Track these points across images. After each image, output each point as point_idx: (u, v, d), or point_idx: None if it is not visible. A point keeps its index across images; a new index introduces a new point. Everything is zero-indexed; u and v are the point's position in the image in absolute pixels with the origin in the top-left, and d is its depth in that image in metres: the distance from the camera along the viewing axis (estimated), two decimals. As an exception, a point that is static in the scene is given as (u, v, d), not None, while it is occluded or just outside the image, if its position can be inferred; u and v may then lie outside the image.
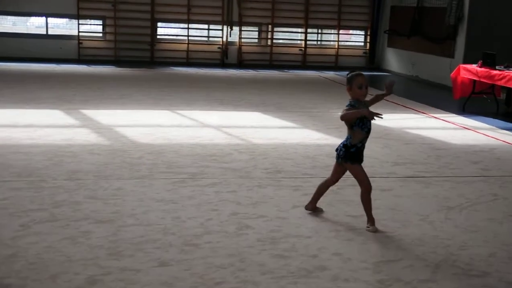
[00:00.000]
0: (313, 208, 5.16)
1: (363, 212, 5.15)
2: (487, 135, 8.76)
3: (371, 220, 4.81)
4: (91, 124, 8.38)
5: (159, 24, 17.30)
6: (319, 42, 18.52)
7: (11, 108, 9.25)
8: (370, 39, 18.20)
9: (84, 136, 7.59)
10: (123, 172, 6.10)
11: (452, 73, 11.40)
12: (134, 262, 4.01)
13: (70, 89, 11.52)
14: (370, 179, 4.96)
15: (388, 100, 11.76)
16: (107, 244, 4.27)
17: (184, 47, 17.23)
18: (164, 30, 17.73)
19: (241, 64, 17.38)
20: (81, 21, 16.61)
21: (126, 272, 3.85)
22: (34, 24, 17.33)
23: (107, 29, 16.89)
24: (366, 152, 5.13)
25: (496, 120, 10.02)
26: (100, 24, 17.09)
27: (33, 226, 4.53)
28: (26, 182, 5.60)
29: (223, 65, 17.25)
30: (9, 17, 16.97)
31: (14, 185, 5.49)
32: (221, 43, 17.41)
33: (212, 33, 17.65)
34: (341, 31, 18.25)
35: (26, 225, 4.53)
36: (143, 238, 4.41)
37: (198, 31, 17.64)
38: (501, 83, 10.02)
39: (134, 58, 16.71)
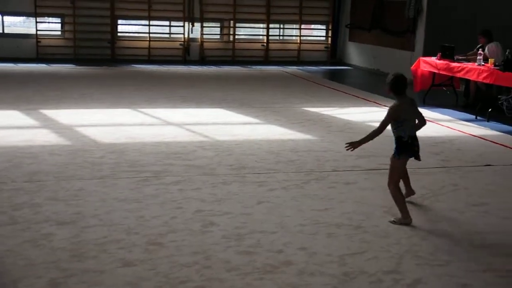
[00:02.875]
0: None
1: (328, 206, 5.21)
2: (447, 127, 8.91)
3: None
4: (51, 124, 8.23)
5: (119, 21, 17.08)
6: (281, 37, 18.55)
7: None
8: (332, 34, 18.31)
9: (44, 137, 7.45)
10: (84, 172, 6.01)
11: (412, 66, 11.54)
12: (98, 263, 3.96)
13: (29, 89, 11.30)
14: (334, 172, 4.99)
15: (349, 94, 11.87)
16: (69, 246, 4.21)
17: (145, 44, 17.07)
18: (125, 27, 17.51)
19: (203, 60, 17.31)
20: (38, 19, 16.28)
21: (89, 274, 3.80)
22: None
23: (66, 27, 16.61)
24: (328, 145, 5.15)
25: (456, 112, 10.20)
26: (58, 22, 16.80)
27: (-8, 230, 4.43)
28: (-16, 185, 5.48)
29: (185, 61, 17.15)
30: (-37, 16, 16.54)
31: (-28, 188, 5.37)
32: (183, 40, 17.29)
33: (173, 29, 17.52)
34: (302, 26, 18.31)
35: (-17, 229, 4.44)
36: (106, 239, 4.36)
37: (160, 28, 17.48)
38: (459, 75, 10.18)
39: (95, 56, 16.48)
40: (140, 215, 4.87)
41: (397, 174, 5.00)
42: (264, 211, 5.05)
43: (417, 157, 5.08)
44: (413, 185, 5.46)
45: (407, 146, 4.97)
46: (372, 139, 5.09)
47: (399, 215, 4.87)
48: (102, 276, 3.78)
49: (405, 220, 4.83)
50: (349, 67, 17.50)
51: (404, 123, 5.01)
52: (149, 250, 4.19)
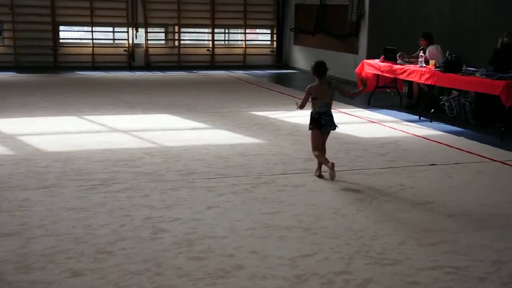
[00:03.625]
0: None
1: (278, 209, 5.24)
2: (392, 128, 9.09)
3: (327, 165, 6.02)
4: (-7, 133, 8.00)
5: (61, 27, 16.75)
6: (226, 42, 18.57)
7: None
8: (277, 38, 18.45)
9: (-15, 147, 7.24)
10: (29, 182, 5.86)
11: (357, 68, 11.74)
12: (45, 274, 3.86)
13: (-32, 97, 10.96)
14: (283, 175, 5.03)
15: (296, 97, 11.95)
16: (15, 258, 4.09)
17: (89, 50, 16.79)
18: (67, 33, 17.19)
19: (148, 66, 17.15)
20: (-24, 26, 15.82)
21: (37, 285, 3.70)
22: None
23: (5, 34, 16.18)
24: (277, 149, 5.18)
25: (400, 113, 10.42)
26: (-3, 29, 16.34)
27: None
28: None
29: (130, 68, 16.95)
30: None
31: None
32: (127, 46, 17.09)
33: (117, 35, 17.30)
34: (247, 30, 18.39)
35: None
36: (54, 249, 4.26)
37: (103, 34, 17.24)
38: (402, 77, 10.42)
39: (36, 64, 16.11)
40: (88, 223, 4.78)
41: (313, 142, 6.29)
42: (214, 216, 5.03)
43: (326, 128, 6.32)
44: (360, 185, 5.54)
45: (314, 120, 6.28)
46: (301, 109, 6.45)
47: (347, 216, 4.94)
48: (50, 287, 3.69)
49: (330, 165, 5.99)
50: (295, 71, 17.66)
51: (314, 101, 6.28)
52: (99, 259, 4.11)
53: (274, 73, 17.13)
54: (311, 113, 6.31)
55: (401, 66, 10.38)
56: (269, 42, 18.75)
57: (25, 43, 16.15)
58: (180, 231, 4.67)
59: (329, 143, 7.83)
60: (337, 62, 15.61)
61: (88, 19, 16.60)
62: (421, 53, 10.29)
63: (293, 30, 17.92)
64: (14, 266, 3.97)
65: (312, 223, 4.91)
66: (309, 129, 6.32)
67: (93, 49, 16.78)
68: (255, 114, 9.97)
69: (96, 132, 8.38)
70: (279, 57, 18.50)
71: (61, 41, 16.74)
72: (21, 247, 4.27)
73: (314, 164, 6.79)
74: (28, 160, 6.66)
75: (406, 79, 10.46)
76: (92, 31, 16.78)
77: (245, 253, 4.27)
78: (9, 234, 4.51)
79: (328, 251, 4.34)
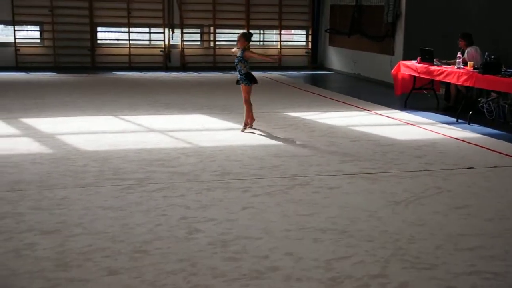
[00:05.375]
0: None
1: (313, 211, 5.22)
2: (429, 130, 8.98)
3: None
4: (33, 133, 8.16)
5: (99, 28, 17.00)
6: (261, 43, 18.59)
7: None
8: (312, 39, 18.39)
9: (25, 146, 7.39)
10: (67, 180, 5.96)
11: (393, 70, 11.63)
12: (83, 272, 3.92)
13: (9, 97, 11.20)
14: (317, 177, 5.01)
15: (331, 98, 11.92)
16: (53, 256, 4.16)
17: (125, 51, 16.99)
18: (105, 34, 17.43)
19: (184, 67, 17.28)
20: (17, 27, 16.14)
21: (74, 283, 3.76)
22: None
23: (45, 35, 16.49)
24: (311, 150, 5.17)
25: (437, 115, 10.28)
26: (37, 30, 16.66)
27: (-26, 241, 4.38)
28: (-35, 195, 5.41)
29: (166, 68, 17.10)
30: None
31: (-48, 199, 5.29)
32: (163, 46, 17.25)
33: (153, 36, 17.48)
34: (282, 31, 18.37)
35: (-33, 240, 4.38)
36: (91, 247, 4.32)
37: (140, 35, 17.43)
38: (440, 78, 10.28)
39: (75, 64, 16.38)
40: (125, 222, 4.84)
41: (250, 95, 8.38)
42: (249, 217, 5.04)
43: (255, 82, 8.47)
44: (396, 188, 5.50)
45: (253, 78, 8.38)
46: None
47: (383, 219, 4.90)
48: (87, 285, 3.75)
49: (252, 122, 8.49)
50: (330, 72, 17.59)
51: (247, 62, 8.36)
52: (135, 258, 4.16)
53: (309, 74, 17.08)
54: (249, 72, 8.34)
55: (438, 68, 10.24)
56: (304, 43, 18.70)
57: (64, 44, 16.43)
58: (215, 231, 4.70)
59: (365, 145, 7.80)
60: (373, 63, 15.51)
61: (125, 20, 16.80)
62: (459, 54, 10.13)
63: (328, 31, 17.84)
64: (53, 263, 4.04)
65: (347, 225, 4.88)
66: (250, 85, 8.40)
67: (129, 50, 16.98)
68: (290, 115, 9.96)
69: (132, 132, 8.47)
70: (314, 58, 18.44)
71: (98, 42, 16.98)
72: (60, 245, 4.35)
73: (348, 166, 6.76)
74: (67, 159, 6.77)
75: (444, 80, 10.32)
76: (129, 32, 16.99)
77: (279, 254, 4.27)
78: (48, 232, 4.59)
79: (364, 254, 4.31)
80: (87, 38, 16.60)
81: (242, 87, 8.47)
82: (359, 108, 10.86)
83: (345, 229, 4.80)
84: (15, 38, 16.07)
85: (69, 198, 5.43)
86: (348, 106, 11.12)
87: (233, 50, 8.85)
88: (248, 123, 8.53)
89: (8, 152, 7.00)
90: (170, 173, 6.33)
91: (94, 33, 16.74)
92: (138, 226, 4.77)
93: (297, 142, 7.93)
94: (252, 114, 8.56)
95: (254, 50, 17.91)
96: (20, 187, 5.69)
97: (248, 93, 8.44)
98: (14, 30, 16.04)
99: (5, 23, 16.28)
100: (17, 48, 16.11)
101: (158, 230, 4.69)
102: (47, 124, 8.75)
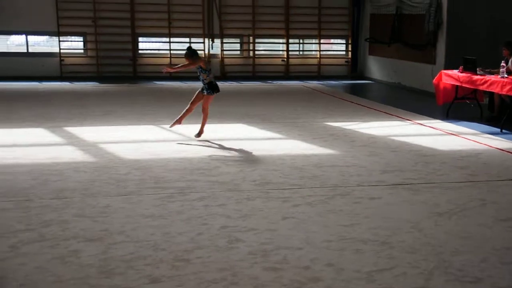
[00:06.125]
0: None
1: (354, 222, 5.18)
2: (472, 140, 8.82)
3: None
4: (76, 141, 8.32)
5: (140, 38, 17.26)
6: (301, 52, 18.60)
7: (5, 128, 9.11)
8: (352, 48, 18.31)
9: (69, 154, 7.53)
10: (110, 189, 6.05)
11: (434, 79, 11.48)
12: (126, 279, 3.97)
13: (53, 106, 11.45)
14: (358, 187, 4.97)
15: (371, 108, 11.83)
16: (97, 263, 4.23)
17: (166, 61, 17.18)
18: (146, 44, 17.70)
19: (224, 76, 17.39)
20: (61, 38, 16.52)
21: (118, 291, 3.81)
22: (14, 43, 17.21)
23: (88, 45, 16.83)
24: (352, 160, 5.14)
25: (480, 125, 10.10)
26: (81, 41, 17.02)
27: (21, 247, 4.47)
28: (12, 202, 5.53)
29: (206, 78, 17.22)
30: (-12, 36, 16.83)
31: (0, 205, 5.42)
32: (203, 56, 17.39)
33: (193, 46, 17.58)
34: (322, 40, 18.35)
35: (14, 246, 4.48)
36: (133, 255, 4.37)
37: (180, 45, 17.62)
38: (483, 88, 10.10)
39: (117, 74, 16.65)
40: (166, 231, 4.88)
41: (209, 103, 8.53)
42: (289, 227, 5.03)
43: (218, 91, 8.58)
44: (439, 199, 5.43)
45: (216, 87, 8.49)
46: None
47: (425, 230, 4.82)
48: (130, 293, 3.79)
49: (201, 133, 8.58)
50: (370, 81, 17.47)
51: (211, 72, 8.50)
52: (176, 266, 4.19)
53: (349, 84, 17.00)
54: (212, 82, 8.45)
55: (481, 77, 10.07)
56: (343, 52, 18.63)
57: (107, 54, 16.72)
58: (256, 241, 4.70)
59: (406, 155, 7.71)
60: (414, 73, 15.34)
61: (166, 31, 17.02)
62: (503, 63, 9.94)
63: (368, 40, 17.73)
64: (96, 270, 4.10)
65: (388, 236, 4.82)
66: (213, 94, 8.50)
67: (170, 60, 17.17)
68: (330, 125, 9.92)
69: (173, 140, 8.55)
70: (354, 67, 18.36)
71: (140, 51, 17.23)
72: (103, 252, 4.41)
73: (390, 176, 6.69)
74: (109, 168, 6.88)
75: (487, 90, 10.14)
76: (169, 42, 17.20)
77: (321, 265, 4.25)
78: (92, 239, 4.66)
79: (406, 266, 4.25)
80: (129, 48, 16.87)
81: (205, 96, 8.54)
82: (400, 118, 10.75)
83: (387, 240, 4.74)
84: (59, 49, 16.45)
85: (111, 206, 5.51)
86: (389, 116, 11.01)
87: (168, 70, 9.14)
88: (203, 131, 8.62)
89: (53, 161, 7.14)
90: (211, 182, 6.37)
91: (135, 43, 17.01)
92: (179, 235, 4.80)
93: (338, 152, 7.89)
94: (185, 116, 8.74)
95: (294, 60, 18.01)
96: (65, 195, 5.80)
97: (208, 102, 8.56)
98: (59, 41, 16.41)
99: (51, 34, 16.66)
100: (62, 58, 16.48)
101: (199, 239, 4.72)
102: (90, 132, 8.91)
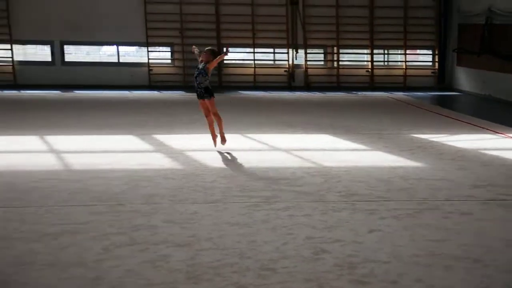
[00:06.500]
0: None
1: (443, 237, 5.03)
2: None
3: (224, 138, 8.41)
4: (165, 149, 8.53)
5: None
6: (386, 63, 18.32)
7: (88, 134, 9.51)
8: (439, 58, 17.86)
9: (158, 161, 7.74)
10: (197, 196, 6.16)
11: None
12: (213, 286, 4.02)
13: (143, 115, 11.80)
14: (447, 202, 4.83)
15: (460, 120, 11.48)
16: (185, 268, 4.30)
17: (250, 71, 17.40)
18: (231, 54, 17.97)
19: (308, 86, 17.38)
20: (150, 48, 17.05)
21: (206, 297, 3.86)
22: (106, 53, 17.92)
23: (176, 55, 17.27)
24: (440, 173, 4.99)
25: None
26: (168, 51, 17.49)
27: (114, 250, 4.62)
28: (105, 206, 5.73)
29: (290, 88, 17.30)
30: (83, 47, 17.60)
31: (94, 209, 5.63)
32: (287, 66, 17.47)
33: (278, 56, 17.77)
34: (408, 51, 18.00)
35: (107, 249, 4.63)
36: (220, 262, 4.42)
37: (264, 55, 17.79)
38: None
39: (202, 83, 16.96)
40: (252, 239, 4.91)
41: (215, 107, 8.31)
42: (376, 240, 4.94)
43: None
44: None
45: (212, 91, 8.36)
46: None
47: (521, 248, 4.62)
48: (218, 299, 3.83)
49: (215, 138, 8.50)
50: (458, 93, 16.97)
51: (209, 76, 8.34)
52: (262, 275, 4.20)
53: (435, 95, 16.59)
54: (208, 86, 8.28)
55: None
56: (430, 63, 18.20)
57: (193, 64, 17.08)
58: (342, 252, 4.64)
59: (499, 169, 7.41)
60: (505, 84, 14.76)
61: (250, 41, 17.22)
62: None
63: (456, 50, 17.23)
64: (184, 276, 4.18)
65: (482, 254, 4.64)
66: (210, 97, 8.31)
67: (254, 70, 17.36)
68: (417, 137, 9.70)
69: (258, 150, 8.62)
70: (441, 78, 17.88)
71: (225, 61, 17.51)
72: (191, 258, 4.48)
73: (481, 191, 6.46)
74: (196, 175, 7.01)
75: None
76: (254, 52, 17.39)
77: (409, 280, 4.14)
78: (180, 245, 4.76)
79: (502, 286, 4.07)
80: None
81: (205, 102, 8.36)
82: (491, 131, 10.36)
83: (480, 258, 4.56)
84: (148, 59, 16.97)
85: (199, 213, 5.60)
86: (479, 128, 10.64)
87: (195, 51, 8.73)
88: (225, 137, 8.44)
89: (142, 167, 7.35)
90: (296, 192, 6.36)
91: (221, 53, 17.27)
92: (265, 244, 4.81)
93: (425, 165, 7.69)
94: (213, 128, 8.51)
95: (378, 71, 17.76)
96: (154, 201, 5.96)
97: (213, 105, 8.35)
98: (148, 51, 16.94)
99: (140, 44, 17.23)
100: (150, 68, 16.99)
101: (284, 249, 4.71)
102: (178, 140, 9.12)
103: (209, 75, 8.34)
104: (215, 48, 8.54)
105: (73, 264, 4.34)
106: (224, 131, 8.46)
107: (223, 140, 8.42)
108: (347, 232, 5.12)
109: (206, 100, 8.32)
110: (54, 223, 5.21)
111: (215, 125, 8.48)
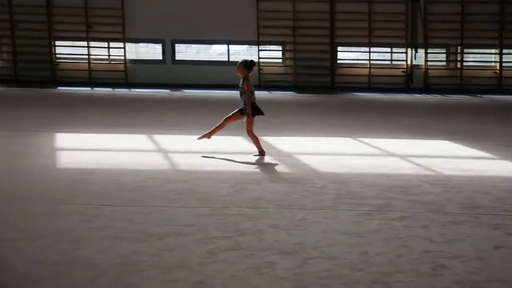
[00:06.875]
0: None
1: None
2: None
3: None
4: (273, 151, 8.58)
5: (339, 48, 17.41)
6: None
7: (195, 134, 9.66)
8: None
9: (265, 164, 7.78)
10: (306, 201, 6.13)
11: None
12: (321, 297, 3.96)
13: (251, 115, 11.92)
14: None
15: None
16: (292, 277, 4.27)
17: (365, 71, 17.16)
18: (344, 54, 17.83)
19: (427, 88, 16.89)
20: (261, 47, 17.24)
21: (313, 308, 3.81)
22: (216, 52, 18.36)
23: (287, 54, 17.36)
24: None
25: None
26: (279, 50, 17.62)
27: (219, 254, 4.68)
28: (211, 208, 5.83)
29: (407, 89, 16.89)
30: (193, 46, 18.14)
31: (200, 211, 5.74)
32: (405, 67, 17.07)
33: (395, 56, 17.41)
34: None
35: (212, 252, 4.70)
36: (328, 273, 4.35)
37: (380, 55, 17.50)
38: None
39: (314, 84, 16.96)
40: (363, 250, 4.81)
41: (252, 126, 8.17)
42: (502, 257, 4.68)
43: (260, 113, 8.23)
44: None
45: (257, 109, 8.17)
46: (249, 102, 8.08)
47: None
48: (325, 312, 3.78)
49: (262, 152, 8.15)
50: None
51: (254, 93, 8.18)
52: (374, 289, 4.10)
53: None
54: (254, 103, 8.10)
55: None
56: None
57: (304, 64, 17.12)
58: (463, 270, 4.43)
59: None
60: None
61: (366, 40, 17.00)
62: None
63: None
64: (291, 284, 4.15)
65: None
66: (251, 116, 8.11)
67: (369, 70, 17.10)
68: (550, 146, 9.14)
69: (371, 155, 8.47)
70: None
71: (338, 61, 17.39)
72: (298, 267, 4.45)
73: None
74: (305, 180, 6.98)
75: None
76: (369, 52, 17.14)
77: (540, 304, 3.89)
78: (287, 252, 4.74)
79: None
80: (327, 58, 17.10)
81: (247, 121, 8.20)
82: None
83: None
84: (258, 58, 17.16)
85: (307, 219, 5.56)
86: None
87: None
88: (262, 152, 8.21)
89: (249, 169, 7.44)
90: (412, 201, 6.17)
91: (334, 52, 17.19)
92: (377, 255, 4.69)
93: (560, 177, 7.23)
94: (259, 144, 8.23)
95: (509, 73, 16.90)
96: (260, 205, 5.99)
97: (250, 124, 8.15)
98: (258, 50, 17.14)
99: (251, 43, 17.47)
100: (260, 67, 17.17)
101: (399, 262, 4.57)
102: (286, 143, 9.15)
103: (247, 94, 8.08)
104: (247, 59, 8.31)
105: (177, 266, 4.44)
106: (209, 137, 8.50)
107: (262, 153, 8.22)
108: (468, 248, 4.89)
109: (245, 117, 8.21)
110: (160, 224, 5.36)
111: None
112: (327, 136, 9.83)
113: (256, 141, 8.22)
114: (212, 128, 8.46)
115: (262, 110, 8.25)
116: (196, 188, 6.56)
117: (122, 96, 14.67)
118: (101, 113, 12.07)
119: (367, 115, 12.17)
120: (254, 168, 7.48)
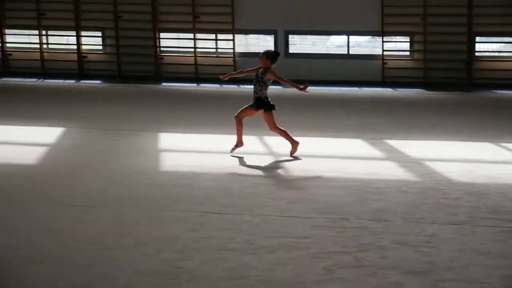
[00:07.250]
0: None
1: None
2: None
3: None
4: (398, 156, 8.43)
5: (477, 38, 16.83)
6: None
7: (309, 136, 9.61)
8: None
9: (390, 171, 7.66)
10: (437, 215, 5.97)
11: None
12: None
13: (374, 116, 11.78)
14: None
15: None
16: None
17: (510, 65, 16.48)
18: (483, 45, 17.23)
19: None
20: (385, 38, 16.95)
21: None
22: (334, 44, 18.27)
23: (416, 46, 16.98)
24: None
25: None
26: (407, 41, 17.27)
27: (336, 271, 4.65)
28: (328, 219, 5.81)
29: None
30: (308, 37, 18.14)
31: (315, 222, 5.74)
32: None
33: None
34: None
35: (329, 269, 4.67)
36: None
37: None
38: None
39: (447, 80, 16.46)
40: (507, 274, 4.62)
41: (273, 120, 8.27)
42: None
43: (273, 107, 8.28)
44: None
45: (268, 103, 8.25)
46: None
47: None
48: None
49: (296, 146, 8.31)
50: None
51: (268, 87, 8.30)
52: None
53: None
54: (266, 97, 8.25)
55: None
56: None
57: (434, 57, 16.66)
58: None
59: None
60: None
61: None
62: None
63: None
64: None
65: None
66: (269, 109, 8.23)
67: (514, 64, 16.41)
68: None
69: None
70: None
71: (476, 54, 16.79)
72: (429, 290, 4.35)
73: None
74: (436, 190, 6.81)
75: None
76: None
77: None
78: (414, 272, 4.63)
79: None
80: (464, 50, 16.56)
81: (265, 117, 8.34)
82: None
83: None
84: (382, 50, 16.88)
85: (438, 235, 5.42)
86: None
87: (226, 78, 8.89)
88: (295, 143, 8.35)
89: (371, 177, 7.34)
90: None
91: (472, 44, 16.62)
92: (523, 281, 4.49)
93: None
94: (289, 136, 8.39)
95: None
96: (384, 217, 5.90)
97: (268, 120, 8.33)
98: (383, 42, 16.87)
99: (373, 34, 17.23)
100: (384, 61, 16.89)
101: (550, 289, 4.35)
102: (414, 147, 8.94)
103: (267, 85, 8.28)
104: (271, 50, 8.71)
105: (290, 283, 4.45)
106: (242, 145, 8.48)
107: (294, 149, 8.36)
108: None
109: (262, 112, 8.31)
110: (271, 235, 5.40)
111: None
112: (461, 140, 9.52)
113: (284, 134, 8.39)
114: (237, 136, 8.46)
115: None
116: (310, 196, 6.57)
117: (231, 93, 14.89)
118: (206, 111, 12.33)
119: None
120: (377, 176, 7.37)
